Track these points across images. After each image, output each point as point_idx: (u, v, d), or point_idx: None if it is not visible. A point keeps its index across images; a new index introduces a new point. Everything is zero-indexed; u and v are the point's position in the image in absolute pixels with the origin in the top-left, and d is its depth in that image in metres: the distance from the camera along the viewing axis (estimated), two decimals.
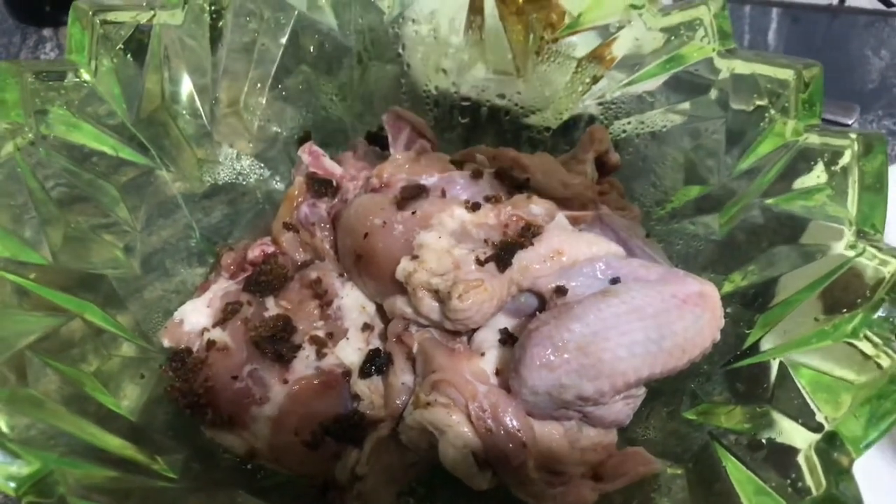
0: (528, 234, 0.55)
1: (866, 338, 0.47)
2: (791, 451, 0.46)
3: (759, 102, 0.60)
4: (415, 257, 0.53)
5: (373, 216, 0.57)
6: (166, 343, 0.58)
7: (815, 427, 0.46)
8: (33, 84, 0.55)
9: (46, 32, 0.97)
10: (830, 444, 0.44)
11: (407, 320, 0.55)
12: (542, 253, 0.54)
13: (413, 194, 0.57)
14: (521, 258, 0.54)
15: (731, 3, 0.63)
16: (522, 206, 0.58)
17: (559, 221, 0.58)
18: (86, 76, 0.58)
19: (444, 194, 0.58)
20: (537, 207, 0.58)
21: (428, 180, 0.59)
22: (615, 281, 0.53)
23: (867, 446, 0.43)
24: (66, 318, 0.52)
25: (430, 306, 0.53)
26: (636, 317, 0.50)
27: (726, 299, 0.57)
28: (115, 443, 0.48)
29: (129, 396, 0.54)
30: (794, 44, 1.00)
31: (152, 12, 0.61)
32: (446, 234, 0.54)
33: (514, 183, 0.60)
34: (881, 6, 1.03)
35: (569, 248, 0.54)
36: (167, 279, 0.64)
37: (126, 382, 0.55)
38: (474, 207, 0.57)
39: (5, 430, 0.42)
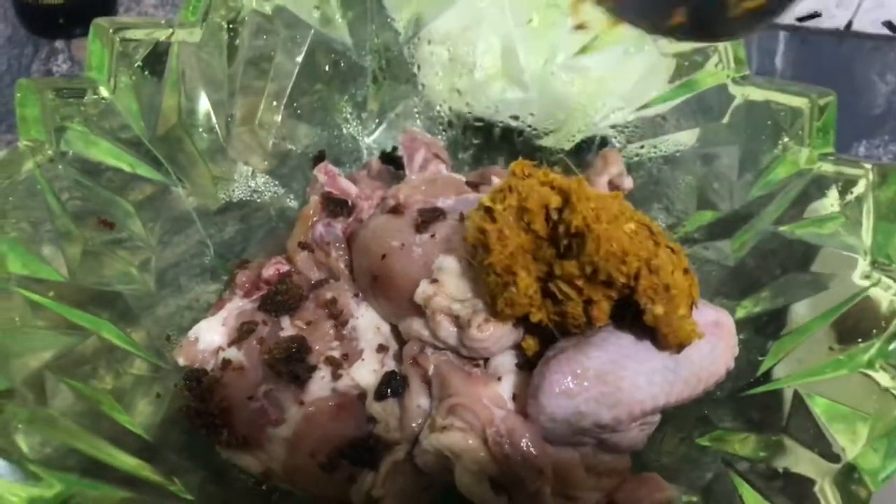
0: None
1: (882, 369, 0.48)
2: (808, 482, 0.46)
3: (772, 129, 0.61)
4: (434, 281, 0.53)
5: (391, 238, 0.57)
6: (181, 361, 0.58)
7: (833, 458, 0.46)
8: (53, 101, 0.55)
9: (59, 44, 0.96)
10: (848, 476, 0.44)
11: (423, 343, 0.55)
12: None
13: (431, 217, 0.57)
14: None
15: None
16: None
17: None
18: (105, 93, 0.58)
19: (462, 218, 0.58)
20: None
21: (445, 203, 0.59)
22: None
23: (885, 479, 0.44)
24: (82, 336, 0.52)
25: (447, 331, 0.53)
26: (654, 344, 0.50)
27: (739, 325, 0.57)
28: (131, 463, 0.48)
29: (144, 415, 0.54)
30: (801, 67, 1.01)
31: (171, 30, 0.61)
32: (466, 259, 0.54)
33: None
34: (887, 31, 1.04)
35: None
36: (181, 295, 0.64)
37: (140, 401, 0.55)
38: None
39: (26, 450, 0.42)
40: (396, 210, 0.59)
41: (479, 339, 0.52)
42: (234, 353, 0.57)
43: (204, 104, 0.65)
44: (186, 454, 0.54)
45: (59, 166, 0.55)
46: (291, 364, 0.55)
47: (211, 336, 0.59)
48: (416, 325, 0.55)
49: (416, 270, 0.55)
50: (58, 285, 0.52)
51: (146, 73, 0.61)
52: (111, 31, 0.58)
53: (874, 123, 0.97)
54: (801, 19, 1.05)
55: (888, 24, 1.04)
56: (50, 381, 0.49)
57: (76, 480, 0.43)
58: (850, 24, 1.05)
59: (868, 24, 1.04)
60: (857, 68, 1.02)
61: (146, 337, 0.59)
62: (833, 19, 1.04)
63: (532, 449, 0.50)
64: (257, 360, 0.57)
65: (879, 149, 0.95)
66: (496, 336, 0.52)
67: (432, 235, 0.56)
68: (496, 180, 0.65)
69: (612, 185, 0.68)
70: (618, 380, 0.49)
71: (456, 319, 0.52)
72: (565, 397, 0.48)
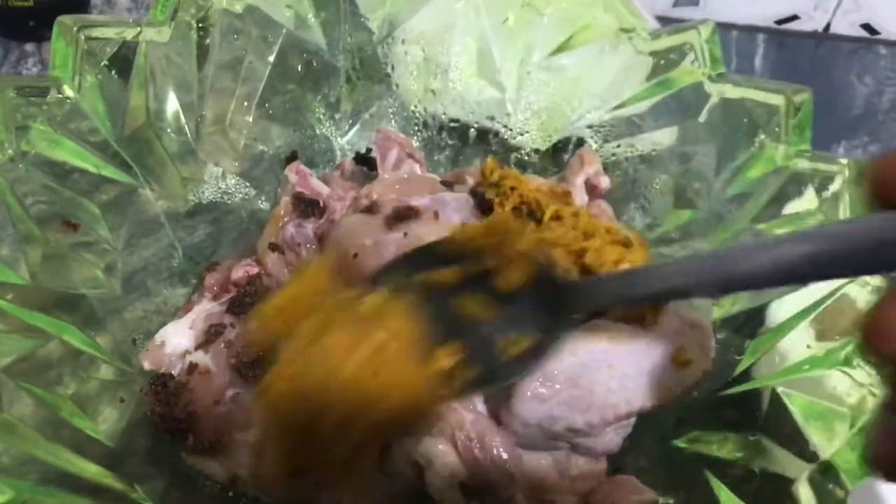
0: None
1: (860, 365, 0.47)
2: (785, 482, 0.45)
3: (749, 127, 0.60)
4: None
5: (363, 236, 0.56)
6: (147, 366, 0.57)
7: (810, 457, 0.45)
8: (15, 99, 0.54)
9: (29, 47, 0.95)
10: (825, 474, 0.44)
11: None
12: None
13: (404, 215, 0.56)
14: None
15: (718, 28, 0.64)
16: None
17: None
18: (69, 92, 0.56)
19: (436, 216, 0.57)
20: None
21: (419, 201, 0.58)
22: None
23: (862, 477, 0.43)
24: (43, 340, 0.51)
25: None
26: (627, 348, 0.49)
27: (716, 325, 0.56)
28: (92, 470, 0.47)
29: (108, 421, 0.53)
30: (780, 69, 1.01)
31: (138, 29, 0.60)
32: None
33: None
34: (865, 34, 1.04)
35: None
36: (148, 299, 0.62)
37: (104, 406, 0.53)
38: None
39: None
40: (370, 209, 0.58)
41: None
42: (200, 357, 0.56)
43: (173, 104, 0.64)
44: (150, 460, 0.53)
45: (21, 166, 0.54)
46: (259, 367, 0.54)
47: (178, 339, 0.58)
48: None
49: None
50: (18, 288, 0.51)
51: (113, 72, 0.59)
52: (75, 28, 0.57)
53: (853, 125, 0.96)
54: (779, 22, 1.05)
55: (866, 27, 1.04)
56: (8, 386, 0.47)
57: (31, 487, 0.41)
58: (828, 26, 1.05)
59: (846, 26, 1.04)
60: (836, 70, 1.02)
61: (112, 341, 0.57)
62: (811, 22, 1.04)
63: (503, 453, 0.49)
64: (224, 364, 0.55)
65: (859, 150, 0.94)
66: None
67: (405, 234, 0.55)
68: (470, 180, 0.64)
69: (590, 185, 0.68)
70: (590, 383, 0.48)
71: None
72: (537, 401, 0.48)
